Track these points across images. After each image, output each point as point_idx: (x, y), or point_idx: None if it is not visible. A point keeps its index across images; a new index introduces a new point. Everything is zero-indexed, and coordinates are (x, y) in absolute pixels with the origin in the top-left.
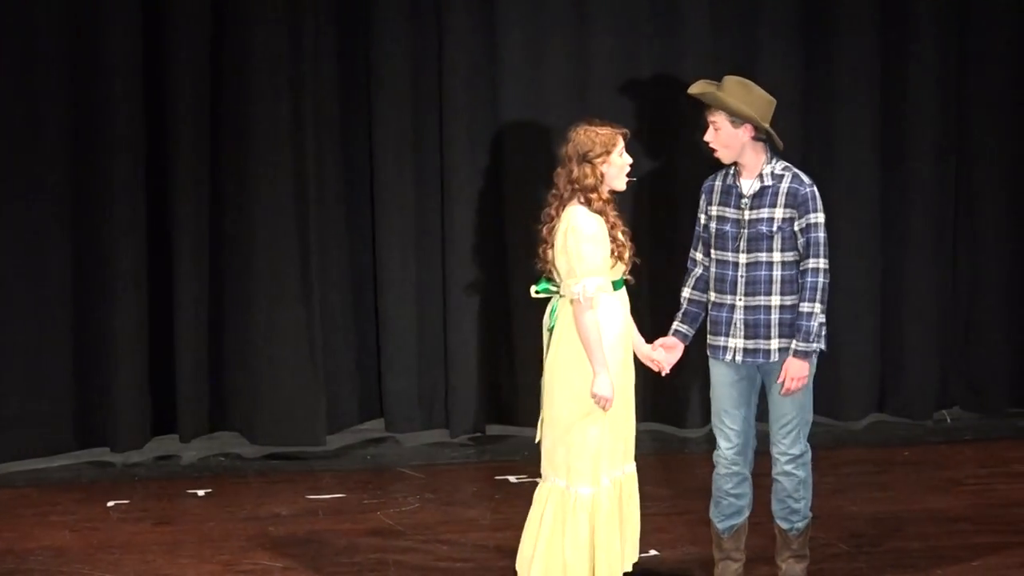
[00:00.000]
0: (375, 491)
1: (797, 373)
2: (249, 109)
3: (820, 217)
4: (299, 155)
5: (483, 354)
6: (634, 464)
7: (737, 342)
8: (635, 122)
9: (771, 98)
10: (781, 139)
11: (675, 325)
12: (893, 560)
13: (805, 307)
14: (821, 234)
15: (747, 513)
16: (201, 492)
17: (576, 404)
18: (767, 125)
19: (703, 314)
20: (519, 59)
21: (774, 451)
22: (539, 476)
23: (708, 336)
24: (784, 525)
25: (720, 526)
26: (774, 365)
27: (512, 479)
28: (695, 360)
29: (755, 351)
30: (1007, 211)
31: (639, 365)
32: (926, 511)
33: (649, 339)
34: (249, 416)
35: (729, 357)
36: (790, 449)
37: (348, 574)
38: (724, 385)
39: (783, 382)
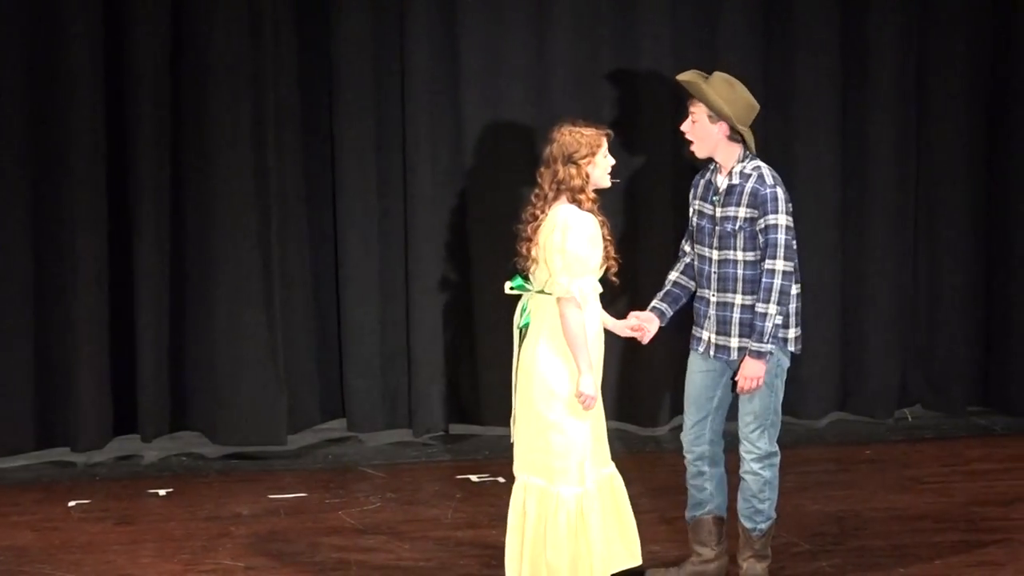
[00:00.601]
0: (337, 490)
1: (751, 373)
2: (210, 108)
3: (780, 219)
4: (260, 154)
5: (446, 353)
6: (613, 465)
7: (711, 336)
8: (594, 118)
9: (755, 102)
10: (748, 144)
11: (654, 302)
12: (855, 559)
13: (760, 307)
14: (780, 236)
15: (708, 507)
16: (162, 492)
17: (558, 403)
18: (742, 127)
19: (684, 299)
20: (480, 59)
21: (741, 449)
22: (502, 476)
23: (693, 328)
24: (747, 524)
25: (686, 515)
26: (734, 363)
27: (474, 478)
28: (655, 359)
29: (723, 347)
30: (967, 210)
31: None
32: (887, 509)
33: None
34: (210, 416)
35: (702, 349)
36: (755, 446)
37: (310, 573)
38: (692, 372)
39: (737, 380)
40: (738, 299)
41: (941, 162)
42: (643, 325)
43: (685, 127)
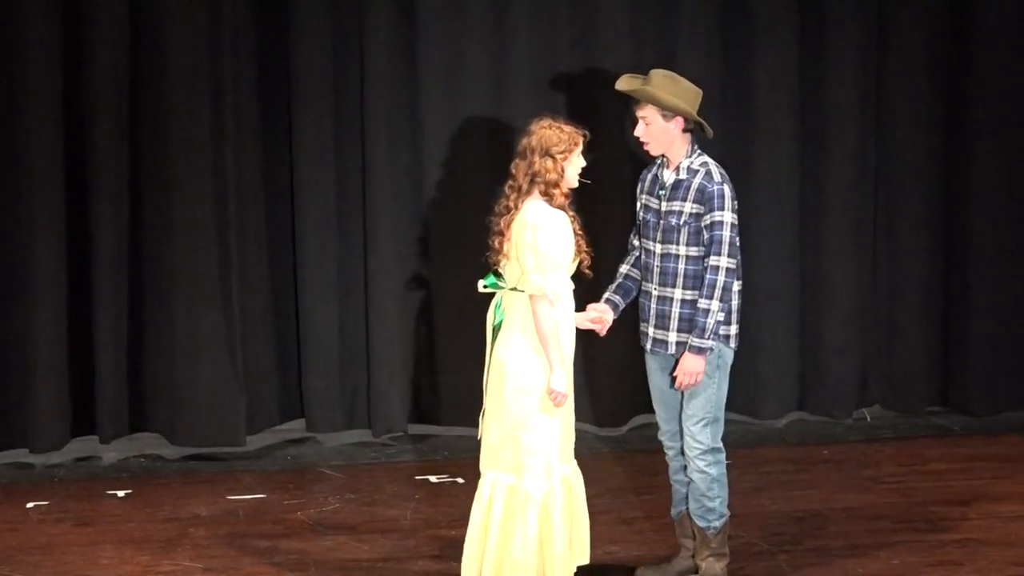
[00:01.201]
0: (296, 491)
1: (689, 368)
2: (168, 109)
3: (726, 216)
4: (219, 155)
5: (405, 354)
6: (575, 463)
7: (652, 331)
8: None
9: (698, 89)
10: (705, 133)
11: (607, 294)
12: (813, 558)
13: (702, 303)
14: (725, 232)
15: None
16: (121, 493)
17: (530, 400)
18: (697, 116)
19: (635, 291)
20: (439, 59)
21: (685, 447)
22: (461, 476)
23: (640, 323)
24: (701, 523)
25: (671, 512)
26: (671, 358)
27: (433, 479)
28: (613, 359)
29: (661, 341)
30: (926, 210)
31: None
32: (846, 509)
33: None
34: (169, 417)
35: (646, 345)
36: (697, 440)
37: (269, 574)
38: (650, 372)
39: (676, 375)
40: (678, 294)
41: (900, 163)
42: (602, 317)
43: (639, 132)
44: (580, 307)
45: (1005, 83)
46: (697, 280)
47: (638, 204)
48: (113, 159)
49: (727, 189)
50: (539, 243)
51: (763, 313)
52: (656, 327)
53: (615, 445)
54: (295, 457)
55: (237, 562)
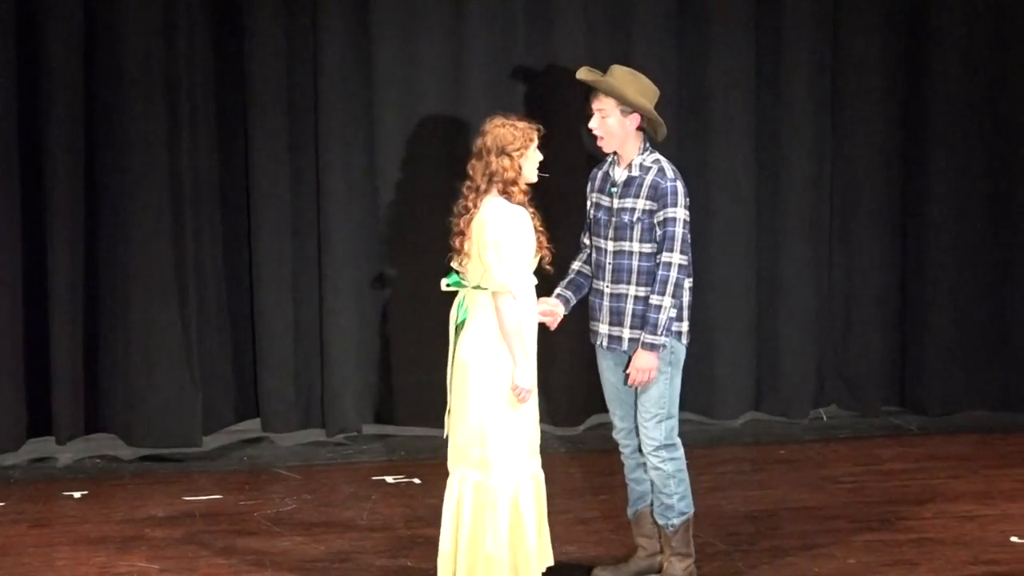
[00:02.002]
0: (252, 492)
1: (643, 364)
2: (124, 109)
3: (679, 212)
4: (174, 155)
5: (359, 354)
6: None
7: (604, 328)
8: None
9: (656, 87)
10: (659, 133)
11: (558, 290)
12: (769, 558)
13: (655, 299)
14: (678, 229)
15: (649, 500)
16: (77, 494)
17: (496, 397)
18: (656, 115)
19: (586, 288)
20: (393, 58)
21: (641, 445)
22: (417, 477)
23: (589, 321)
24: (660, 521)
25: (628, 511)
26: (625, 355)
27: (390, 479)
28: (569, 359)
29: (616, 338)
30: (881, 211)
31: None
32: (802, 509)
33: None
34: (125, 418)
35: (599, 343)
36: (650, 436)
37: (225, 575)
38: (603, 371)
39: (629, 372)
40: (632, 290)
41: (856, 162)
42: (553, 310)
43: (594, 124)
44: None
45: (961, 84)
46: (650, 276)
47: (588, 202)
48: (68, 161)
49: (680, 186)
50: (501, 240)
51: (719, 313)
52: (610, 324)
53: (571, 445)
54: (251, 458)
55: (193, 563)
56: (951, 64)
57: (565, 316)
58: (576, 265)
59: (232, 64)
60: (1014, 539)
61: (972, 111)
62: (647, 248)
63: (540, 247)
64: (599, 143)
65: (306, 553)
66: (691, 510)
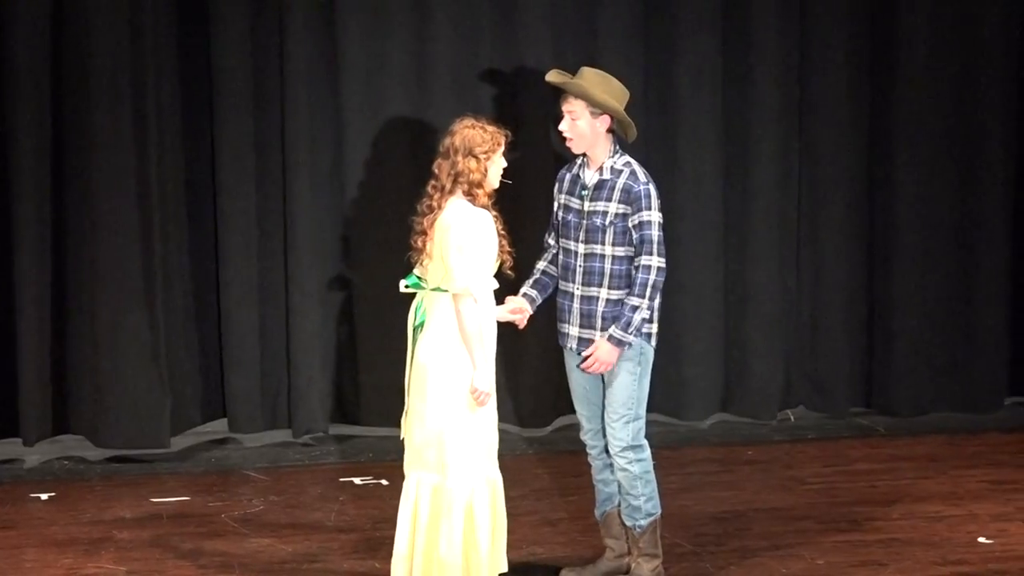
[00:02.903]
0: (219, 493)
1: (604, 356)
2: (90, 109)
3: (653, 215)
4: (141, 156)
5: (326, 354)
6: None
7: (575, 331)
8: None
9: (626, 89)
10: (629, 135)
11: (524, 289)
12: (738, 558)
13: (633, 300)
14: (654, 232)
15: (616, 501)
16: (44, 496)
17: (454, 401)
18: (626, 117)
19: (551, 288)
20: (359, 58)
21: (608, 446)
22: (385, 478)
23: (557, 323)
24: (628, 522)
25: (595, 512)
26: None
27: (357, 480)
28: (536, 359)
29: (587, 340)
30: (848, 212)
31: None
32: (770, 510)
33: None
34: (93, 419)
35: (569, 345)
36: (617, 437)
37: None
38: (571, 372)
39: (587, 357)
40: (604, 293)
41: (823, 164)
42: (522, 308)
43: (564, 127)
44: (498, 303)
45: (926, 86)
46: (623, 279)
47: (555, 204)
48: (34, 160)
49: (652, 189)
50: (465, 242)
51: (688, 315)
52: (581, 327)
53: (539, 446)
54: (219, 459)
55: (161, 565)
56: (917, 66)
57: (532, 316)
58: (541, 265)
59: (199, 65)
60: (981, 539)
61: (938, 113)
62: (620, 251)
63: (502, 251)
64: (569, 145)
65: (274, 554)
66: (658, 511)
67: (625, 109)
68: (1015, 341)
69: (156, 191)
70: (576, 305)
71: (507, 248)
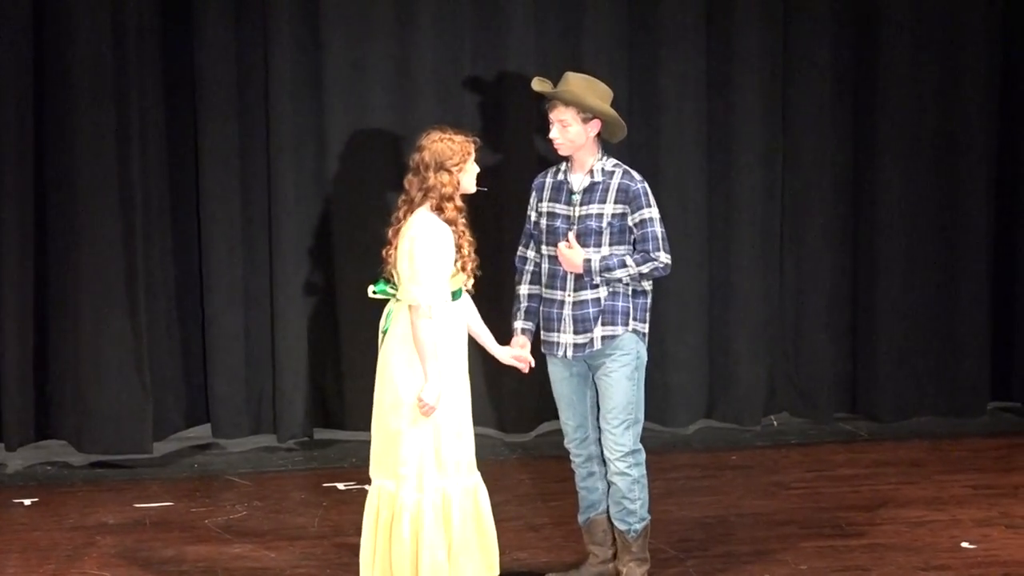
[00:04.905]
0: (203, 499)
1: (571, 257)
2: (74, 115)
3: (654, 212)
4: (124, 161)
5: (310, 359)
6: (476, 477)
7: (567, 338)
8: (457, 125)
9: (609, 88)
10: (618, 134)
11: (520, 324)
12: (722, 564)
13: (628, 260)
14: (657, 228)
15: (602, 507)
16: (27, 501)
17: (405, 409)
18: (616, 115)
19: (538, 307)
20: (343, 64)
21: (605, 451)
22: (368, 483)
23: (542, 333)
24: (621, 527)
25: (579, 519)
26: (597, 353)
27: (340, 486)
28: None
29: (583, 345)
30: (831, 218)
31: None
32: (754, 515)
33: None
34: (76, 424)
35: (561, 353)
36: (618, 443)
37: None
38: (558, 381)
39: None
40: (600, 293)
41: (806, 170)
42: (525, 357)
43: (555, 135)
44: (490, 321)
45: (909, 92)
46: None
47: (534, 213)
48: (17, 165)
49: (647, 187)
50: (416, 254)
51: (672, 321)
52: (575, 332)
53: (522, 451)
54: (202, 464)
55: (144, 571)
56: (899, 73)
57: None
58: (524, 290)
59: (182, 71)
60: (964, 544)
61: (920, 120)
62: (619, 251)
63: (463, 267)
64: (559, 149)
65: (257, 560)
66: (650, 516)
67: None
68: (998, 346)
69: (139, 196)
70: (567, 312)
71: (470, 265)
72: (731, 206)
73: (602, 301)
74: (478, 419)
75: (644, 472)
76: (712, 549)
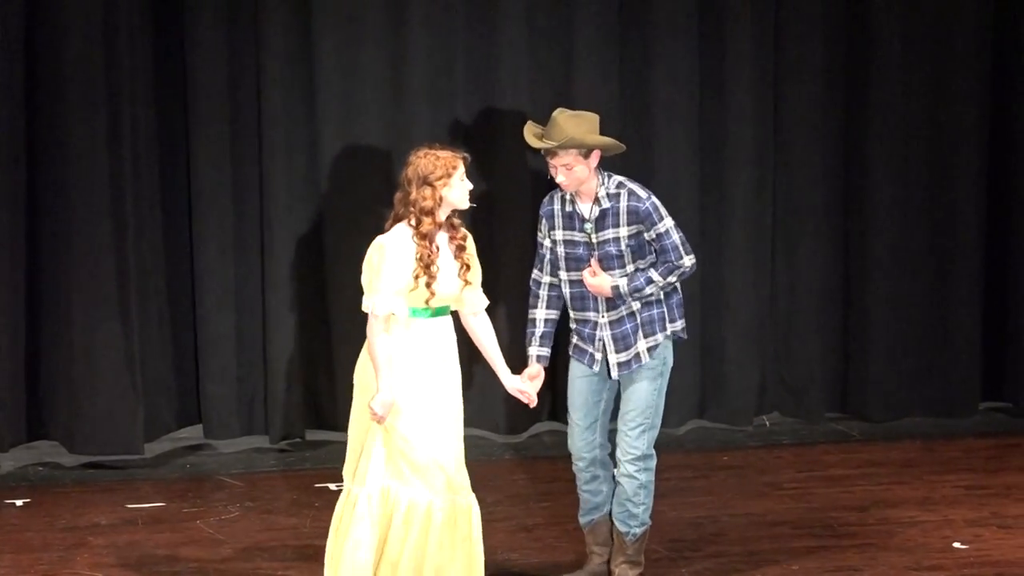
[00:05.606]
0: (195, 499)
1: (599, 285)
2: (66, 117)
3: (668, 222)
4: (116, 163)
5: (302, 360)
6: (472, 496)
7: (612, 358)
8: (450, 128)
9: (595, 113)
10: (599, 162)
11: (537, 350)
12: (713, 565)
13: (653, 274)
14: (675, 237)
15: (605, 510)
16: (19, 502)
17: (364, 411)
18: (613, 143)
19: (555, 330)
20: (335, 66)
21: (618, 451)
22: None
23: (574, 341)
24: (622, 529)
25: (580, 520)
26: (644, 365)
27: (332, 487)
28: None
29: (628, 362)
30: (823, 219)
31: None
32: (746, 515)
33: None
34: (67, 425)
35: (597, 368)
36: (633, 446)
37: None
38: (578, 378)
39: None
40: (635, 306)
41: (798, 170)
42: (531, 392)
43: (561, 179)
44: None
45: (900, 92)
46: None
47: (547, 240)
48: (9, 170)
49: (655, 199)
50: (371, 264)
51: None
52: (618, 351)
53: (515, 452)
54: (194, 465)
55: (136, 571)
56: (891, 73)
57: (505, 333)
58: (540, 314)
59: (174, 74)
60: (956, 545)
61: (911, 119)
62: (642, 265)
63: (427, 286)
64: (564, 186)
65: (249, 561)
66: (650, 521)
67: (601, 119)
68: (989, 346)
69: (131, 197)
70: (606, 333)
71: (431, 284)
72: (722, 206)
73: (638, 315)
74: (471, 420)
75: (652, 478)
76: (704, 549)
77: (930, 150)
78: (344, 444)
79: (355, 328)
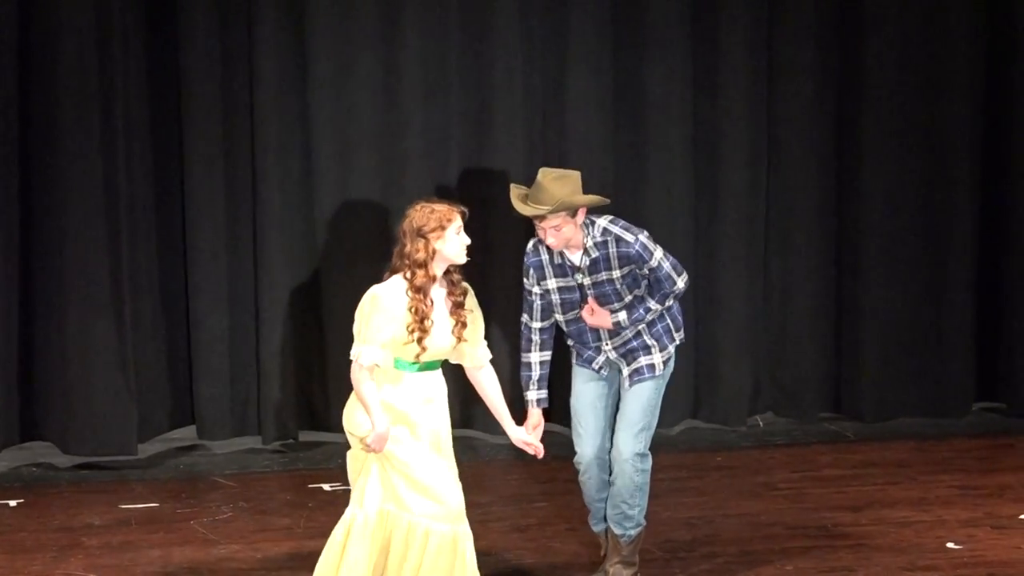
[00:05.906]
0: (188, 500)
1: (599, 322)
2: (59, 117)
3: (658, 253)
4: (109, 163)
5: (295, 361)
6: (464, 525)
7: (624, 369)
8: (443, 132)
9: (576, 171)
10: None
11: (535, 395)
12: (707, 565)
13: (651, 304)
14: (666, 266)
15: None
16: (13, 502)
17: (359, 453)
18: (597, 200)
19: (549, 372)
20: (328, 67)
21: (614, 451)
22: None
23: (577, 351)
24: (617, 530)
25: (594, 530)
26: (659, 373)
27: (326, 487)
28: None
29: (638, 370)
30: (816, 218)
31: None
32: (739, 516)
33: None
34: (61, 426)
35: (604, 372)
36: (632, 448)
37: None
38: (583, 382)
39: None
40: (639, 327)
41: (791, 170)
42: (537, 443)
43: (552, 241)
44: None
45: (893, 92)
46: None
47: (537, 287)
48: (2, 167)
49: (641, 238)
50: (362, 312)
51: None
52: (628, 364)
53: (508, 453)
54: (188, 466)
55: (130, 571)
56: (884, 75)
57: (503, 349)
58: (535, 357)
59: (167, 73)
60: (950, 545)
61: (905, 119)
62: (638, 293)
63: (419, 340)
64: (555, 248)
65: (243, 562)
66: (645, 522)
67: (592, 117)
68: (982, 347)
69: (124, 198)
70: (613, 356)
71: (423, 338)
72: (716, 206)
73: (644, 334)
74: (464, 420)
75: (648, 480)
76: (698, 550)
77: (924, 151)
78: (337, 445)
79: (348, 329)
